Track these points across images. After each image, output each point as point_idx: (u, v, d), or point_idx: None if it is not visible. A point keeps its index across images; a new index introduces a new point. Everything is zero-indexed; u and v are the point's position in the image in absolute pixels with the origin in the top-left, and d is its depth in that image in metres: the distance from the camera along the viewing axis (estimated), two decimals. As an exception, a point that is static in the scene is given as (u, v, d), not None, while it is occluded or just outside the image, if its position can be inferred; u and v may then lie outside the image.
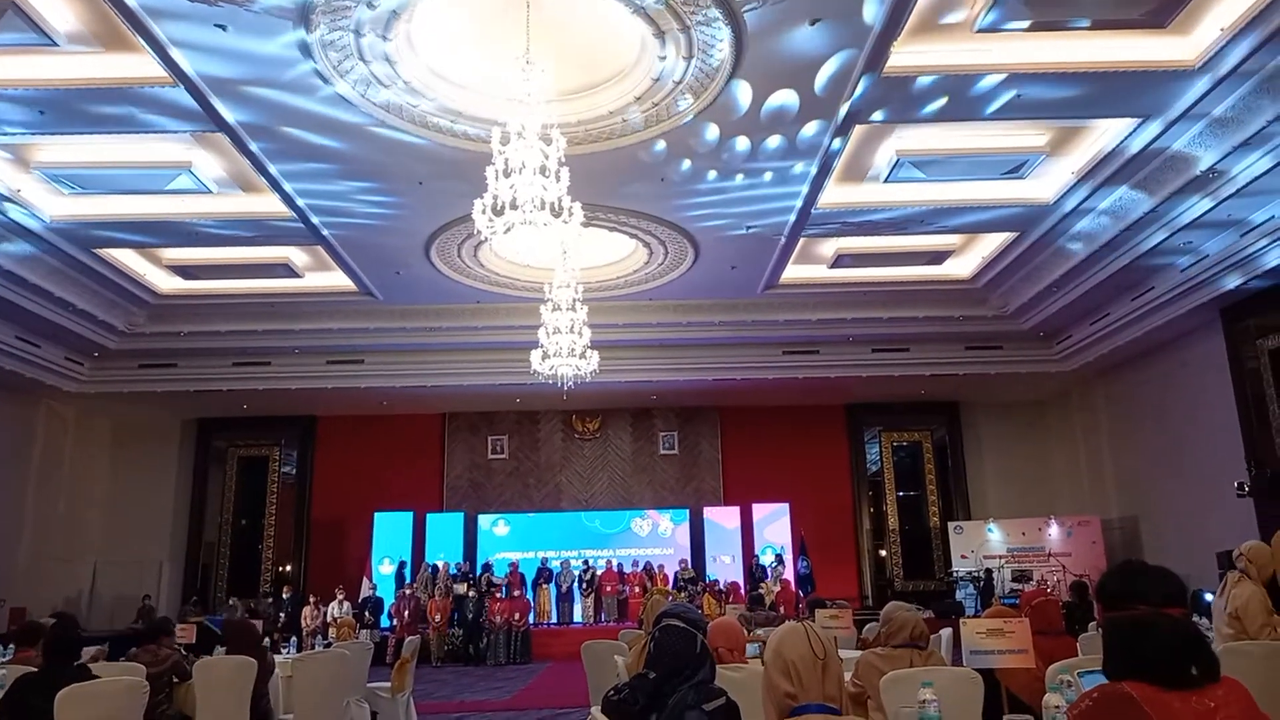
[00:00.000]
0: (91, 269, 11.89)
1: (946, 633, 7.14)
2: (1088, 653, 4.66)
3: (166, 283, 12.98)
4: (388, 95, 8.05)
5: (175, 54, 7.24)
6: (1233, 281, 10.97)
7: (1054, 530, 15.56)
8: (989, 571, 15.16)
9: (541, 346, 10.79)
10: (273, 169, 9.36)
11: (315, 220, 10.68)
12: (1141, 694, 2.11)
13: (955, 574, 15.88)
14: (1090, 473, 16.48)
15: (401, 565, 16.55)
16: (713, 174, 9.83)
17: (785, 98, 8.27)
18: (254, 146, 8.85)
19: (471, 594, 15.37)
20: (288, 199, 10.07)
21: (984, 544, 15.88)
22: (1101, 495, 16.01)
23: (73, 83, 7.67)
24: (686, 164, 9.56)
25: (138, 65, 7.50)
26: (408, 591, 15.40)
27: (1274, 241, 10.05)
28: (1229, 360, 12.03)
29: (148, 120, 8.31)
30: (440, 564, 16.17)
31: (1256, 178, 8.96)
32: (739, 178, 9.93)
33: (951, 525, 16.63)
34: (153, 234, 11.17)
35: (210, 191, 10.08)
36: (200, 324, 13.95)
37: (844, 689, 2.24)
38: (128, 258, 12.09)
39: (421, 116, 8.43)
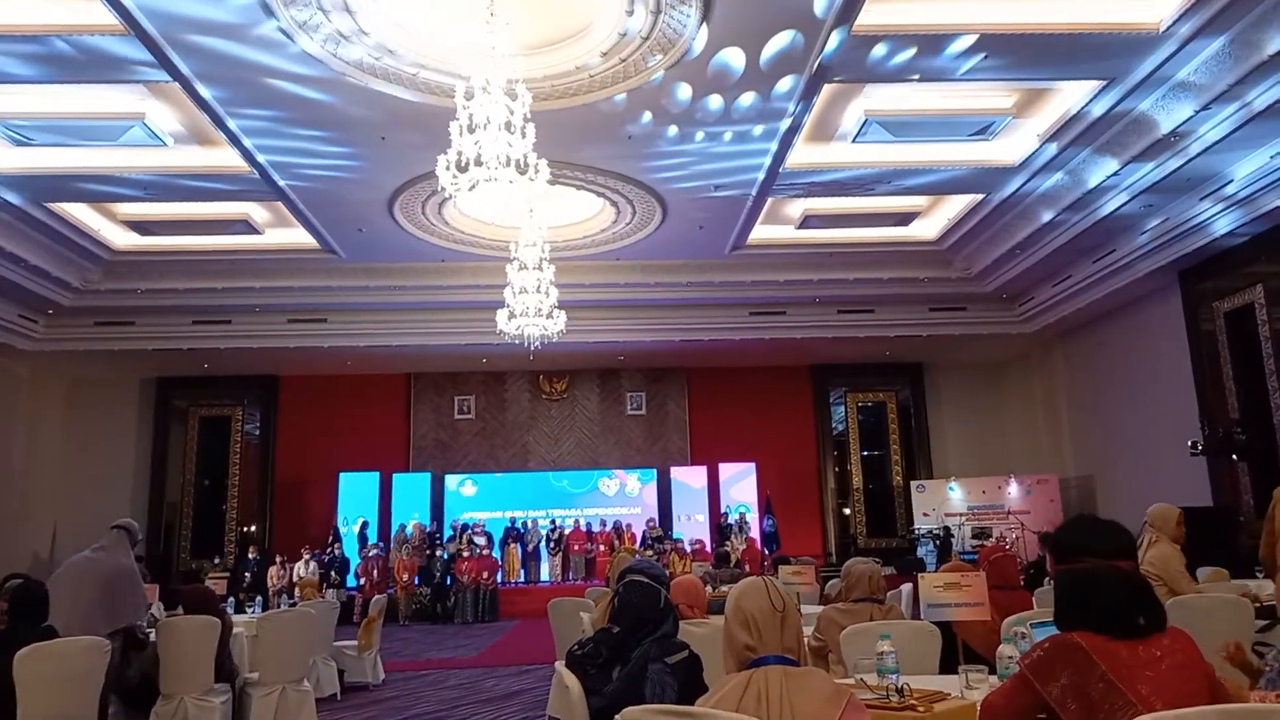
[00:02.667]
0: (43, 223, 11.57)
1: (907, 588, 7.28)
2: (1044, 606, 4.78)
3: (122, 238, 12.68)
4: (348, 48, 7.86)
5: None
6: (1191, 245, 11.15)
7: (1013, 488, 15.88)
8: (947, 529, 15.46)
9: (508, 306, 10.72)
10: (230, 121, 9.11)
11: (274, 175, 10.45)
12: (1090, 643, 2.17)
13: (917, 531, 16.18)
14: (1049, 432, 16.80)
15: (364, 525, 16.49)
16: (680, 132, 9.74)
17: (756, 53, 8.18)
18: (209, 97, 8.61)
19: (440, 554, 15.42)
20: (246, 153, 9.83)
21: (945, 502, 16.18)
22: (1059, 454, 16.34)
23: (19, 29, 7.40)
24: (654, 122, 9.46)
25: (88, 12, 7.25)
26: (372, 552, 15.40)
27: (1231, 205, 10.22)
28: (1185, 322, 12.27)
29: (99, 68, 8.05)
30: (414, 524, 16.18)
31: (1216, 142, 9.08)
32: (707, 136, 9.85)
33: (914, 484, 16.92)
34: (106, 187, 10.87)
35: (165, 144, 9.82)
36: (158, 281, 13.66)
37: (803, 641, 2.28)
38: (81, 212, 11.78)
39: (383, 69, 8.24)
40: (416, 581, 15.35)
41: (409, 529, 16.17)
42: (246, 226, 12.32)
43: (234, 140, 9.53)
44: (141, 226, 12.33)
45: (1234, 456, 11.25)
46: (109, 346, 14.71)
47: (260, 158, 9.98)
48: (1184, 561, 5.46)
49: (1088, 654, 2.15)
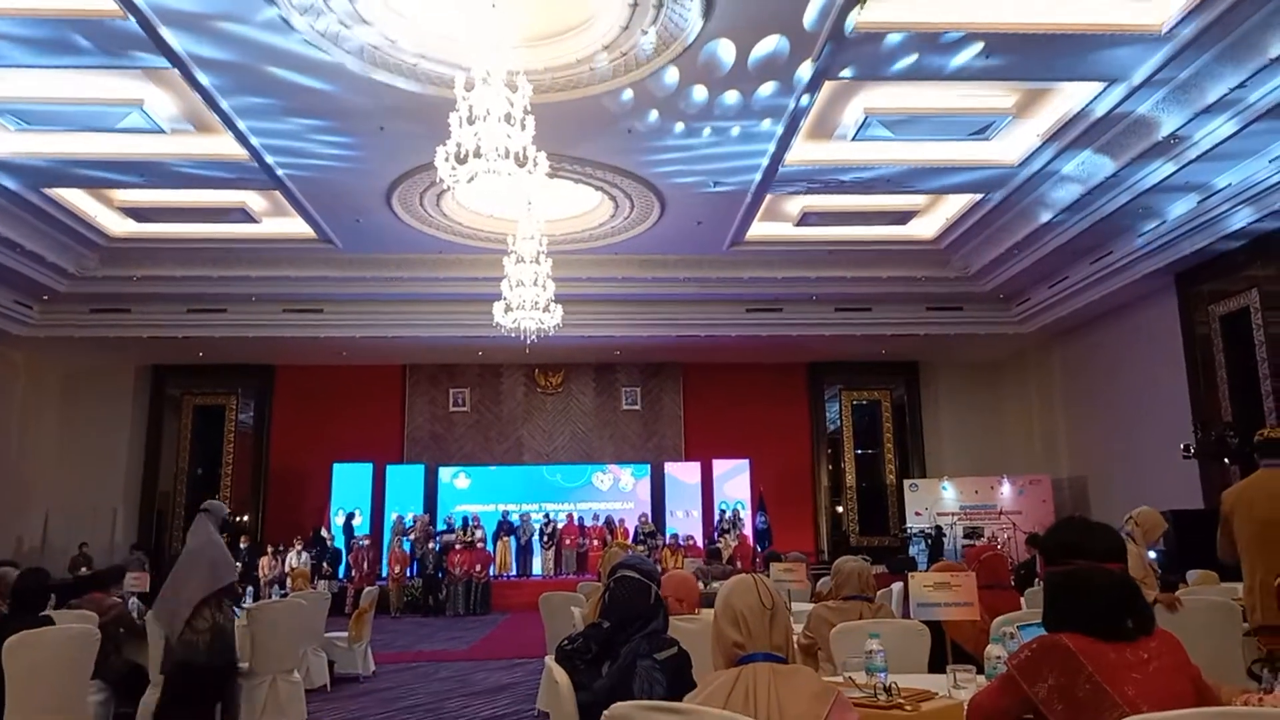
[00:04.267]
0: (40, 209, 11.54)
1: (897, 587, 7.29)
2: (1034, 607, 4.79)
3: (118, 225, 12.64)
4: (348, 36, 7.83)
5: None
6: (1188, 247, 11.16)
7: (1006, 489, 15.91)
8: (939, 528, 15.49)
9: (504, 299, 10.70)
10: (228, 109, 9.08)
11: (272, 163, 10.42)
12: (1078, 645, 2.18)
13: (909, 530, 16.21)
14: (1043, 433, 16.83)
15: (349, 516, 16.44)
16: (681, 127, 9.72)
17: (756, 50, 8.16)
18: (207, 83, 8.57)
19: (433, 546, 15.41)
20: (244, 141, 9.80)
21: (938, 501, 16.21)
22: (1053, 455, 16.37)
23: (17, 12, 7.37)
24: (655, 116, 9.44)
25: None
26: (365, 542, 15.39)
27: (1230, 208, 10.22)
28: (1181, 325, 12.30)
29: (96, 53, 8.01)
30: (415, 516, 16.17)
31: (1216, 144, 9.09)
32: (707, 132, 9.83)
33: (907, 483, 16.95)
34: (103, 173, 10.83)
35: (163, 131, 9.78)
36: (154, 268, 13.63)
37: (791, 639, 2.28)
38: (78, 198, 11.74)
39: (383, 59, 8.21)
40: (409, 574, 15.34)
41: (409, 520, 16.11)
42: (243, 215, 12.29)
43: (232, 128, 9.49)
44: (138, 213, 12.29)
45: (1226, 460, 11.28)
46: (104, 333, 14.67)
47: (258, 145, 9.95)
48: (1147, 564, 5.51)
49: (1075, 655, 2.16)
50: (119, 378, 17.14)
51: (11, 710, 4.10)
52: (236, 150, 10.06)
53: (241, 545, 15.51)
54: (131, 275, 13.64)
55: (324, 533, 15.94)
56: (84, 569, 13.29)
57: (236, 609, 5.82)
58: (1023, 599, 5.74)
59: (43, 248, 12.38)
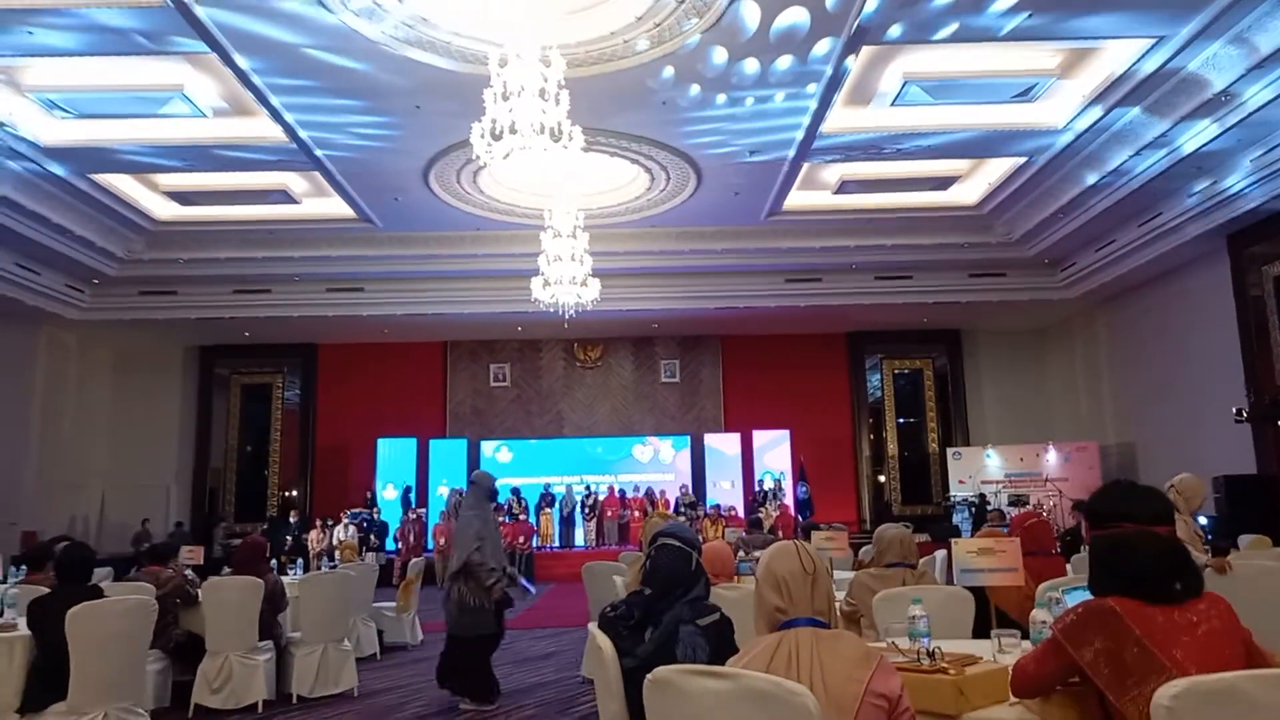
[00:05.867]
0: (88, 195, 11.80)
1: (940, 554, 7.25)
2: (1079, 572, 4.74)
3: (164, 209, 12.87)
4: (384, 16, 7.85)
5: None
6: (1241, 208, 10.85)
7: (1052, 455, 15.70)
8: (983, 496, 15.34)
9: (542, 274, 10.74)
10: (267, 91, 9.17)
11: (311, 144, 10.52)
12: (1124, 608, 2.16)
13: (952, 499, 16.08)
14: (1089, 399, 16.55)
15: (407, 490, 16.74)
16: (716, 97, 9.63)
17: (793, 16, 8.04)
18: (246, 67, 8.66)
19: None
20: (283, 123, 9.91)
21: (982, 469, 16.04)
22: (1099, 421, 16.10)
23: (58, 3, 7.49)
24: (690, 87, 9.37)
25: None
26: (412, 516, 15.65)
27: (1284, 167, 9.91)
28: (1233, 287, 11.97)
29: (137, 39, 8.13)
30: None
31: (1270, 101, 8.79)
32: (744, 101, 9.73)
33: (950, 451, 16.79)
34: (147, 158, 11.02)
35: (205, 115, 9.93)
36: (199, 251, 13.89)
37: (834, 604, 2.29)
38: (124, 183, 11.97)
39: (418, 38, 8.23)
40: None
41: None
42: (285, 196, 12.45)
43: (271, 110, 9.60)
44: (182, 197, 12.51)
45: (1279, 423, 11.02)
46: (153, 315, 15.01)
47: (297, 127, 10.05)
48: (1195, 532, 5.42)
49: (1122, 619, 2.14)
50: (168, 358, 17.56)
51: (75, 679, 4.26)
52: (276, 132, 10.19)
53: (291, 519, 15.86)
54: (178, 258, 13.92)
55: (374, 505, 16.24)
56: (145, 544, 13.69)
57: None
58: (1069, 565, 5.69)
59: (91, 232, 12.66)
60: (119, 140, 10.39)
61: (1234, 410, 11.42)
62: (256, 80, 8.94)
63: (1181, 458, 12.71)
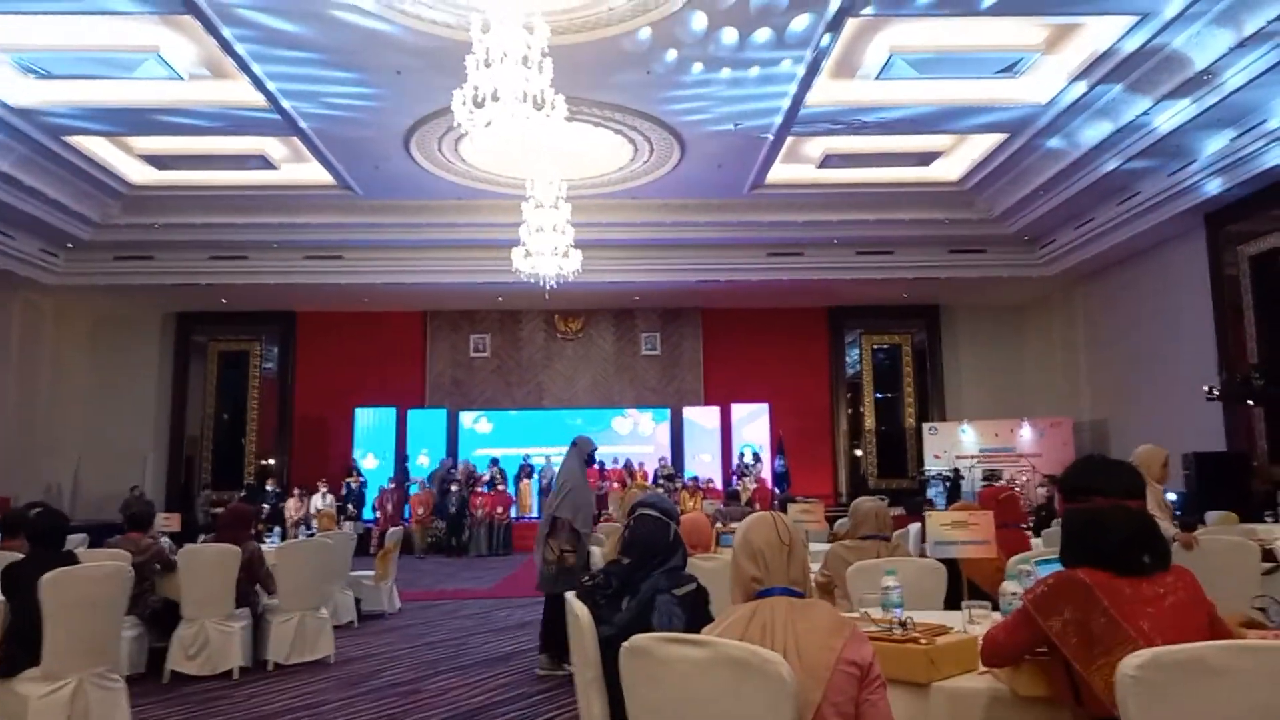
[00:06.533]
0: (61, 157, 11.59)
1: (914, 527, 7.34)
2: (1051, 545, 4.82)
3: (139, 173, 12.67)
4: (362, -23, 7.73)
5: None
6: (1218, 187, 10.93)
7: (1026, 431, 15.88)
8: (957, 471, 15.51)
9: (524, 244, 10.69)
10: (244, 54, 9.01)
11: (290, 109, 10.37)
12: (1094, 580, 2.20)
13: (927, 473, 16.25)
14: (1065, 376, 16.72)
15: (442, 463, 16.68)
16: (701, 68, 9.58)
17: (775, -13, 7.99)
18: (225, 32, 8.51)
19: (455, 490, 15.65)
20: (261, 87, 9.75)
21: (957, 444, 16.20)
22: (1074, 398, 16.29)
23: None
24: (674, 56, 9.29)
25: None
26: (390, 485, 15.66)
27: (1264, 146, 9.96)
28: (1209, 266, 12.09)
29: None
30: (462, 463, 16.48)
31: (1251, 80, 8.83)
32: (727, 72, 9.68)
33: (926, 426, 16.94)
34: (122, 122, 10.83)
35: (181, 78, 9.75)
36: (175, 216, 13.71)
37: (808, 574, 2.31)
38: (98, 146, 11.76)
39: (399, 2, 8.11)
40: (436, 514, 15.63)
41: (454, 470, 16.42)
42: (263, 162, 12.28)
43: (249, 74, 9.44)
44: (158, 161, 12.31)
45: (1250, 402, 11.18)
46: (129, 281, 14.83)
47: (275, 91, 9.89)
48: (1163, 501, 5.46)
49: (1091, 590, 2.18)
50: (145, 325, 17.36)
51: (49, 645, 4.24)
52: (254, 97, 10.03)
53: (268, 488, 15.81)
54: (154, 223, 13.73)
55: (354, 474, 16.24)
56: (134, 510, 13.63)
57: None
58: (1040, 539, 5.78)
59: (65, 196, 12.46)
60: (93, 102, 10.20)
61: (1206, 388, 11.57)
62: (234, 43, 8.78)
63: (1153, 434, 12.87)
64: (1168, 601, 2.18)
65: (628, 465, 16.91)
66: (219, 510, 9.56)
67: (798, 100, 10.23)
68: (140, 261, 14.58)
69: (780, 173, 12.79)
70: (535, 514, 16.72)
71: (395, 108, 10.48)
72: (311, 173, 12.60)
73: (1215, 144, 10.47)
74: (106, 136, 11.47)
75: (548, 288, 11.17)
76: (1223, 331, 11.87)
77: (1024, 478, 14.78)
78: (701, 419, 17.69)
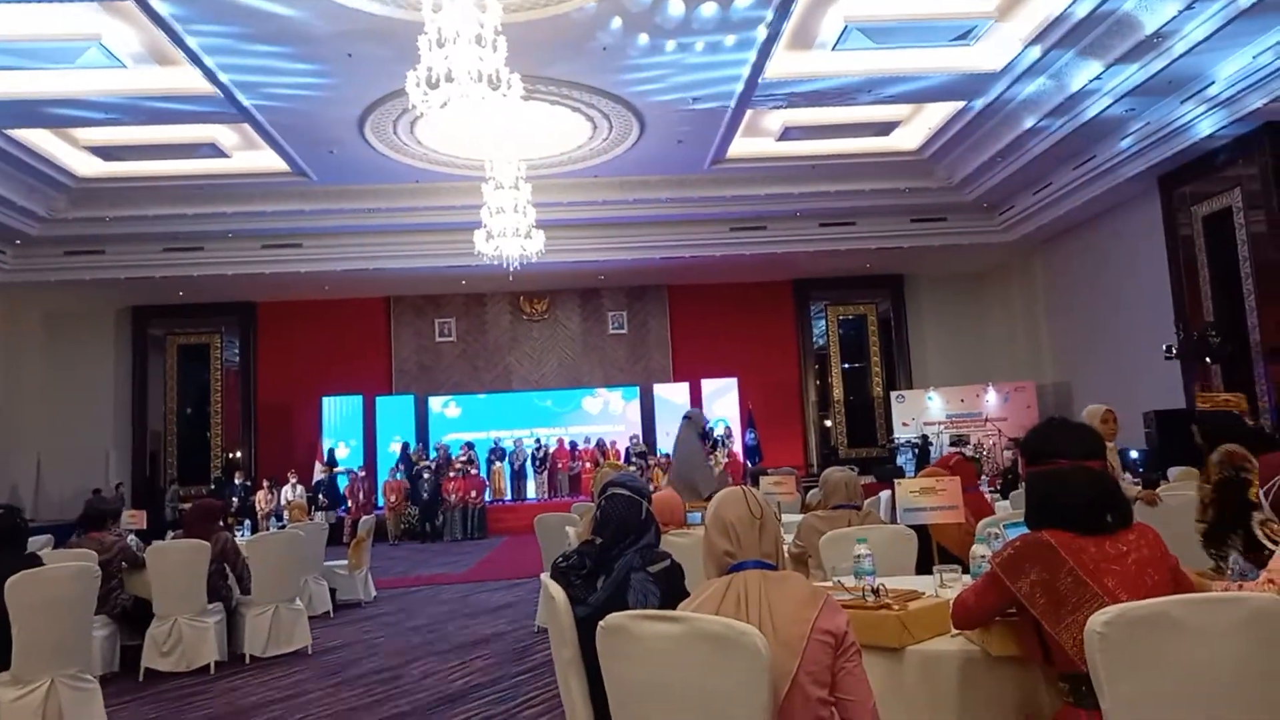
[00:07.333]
0: (4, 151, 11.25)
1: (885, 495, 7.42)
2: (1018, 508, 4.90)
3: (86, 165, 12.36)
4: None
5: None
6: (1171, 149, 11.09)
7: (991, 396, 16.11)
8: (925, 438, 15.72)
9: (485, 226, 10.60)
10: (188, 39, 8.78)
11: (239, 95, 10.15)
12: (1059, 540, 2.24)
13: (897, 441, 16.45)
14: (1027, 340, 16.97)
15: (405, 447, 16.55)
16: (657, 42, 9.49)
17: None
18: (166, 13, 8.28)
19: (427, 475, 15.58)
20: (208, 72, 9.52)
21: (924, 411, 16.41)
22: (1037, 362, 16.54)
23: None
24: (629, 31, 9.20)
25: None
26: (361, 473, 15.54)
27: (1213, 107, 10.12)
28: (1164, 227, 12.29)
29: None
30: (440, 446, 16.42)
31: (1200, 42, 8.94)
32: (683, 45, 9.60)
33: (894, 394, 17.13)
34: (65, 112, 10.53)
35: (124, 66, 9.50)
36: (126, 208, 13.38)
37: (781, 547, 2.33)
38: (42, 139, 11.44)
39: (347, -19, 7.95)
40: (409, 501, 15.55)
41: (433, 452, 16.35)
42: (214, 150, 12.03)
43: (195, 60, 9.21)
44: (106, 152, 12.01)
45: (1208, 359, 11.42)
46: (81, 276, 14.49)
47: (223, 77, 9.67)
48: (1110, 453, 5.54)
49: (1056, 551, 2.22)
50: (100, 320, 16.99)
51: (19, 648, 4.18)
52: (201, 83, 9.79)
53: (236, 481, 15.63)
54: (104, 216, 13.41)
55: (320, 464, 16.09)
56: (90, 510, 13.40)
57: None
58: (1007, 502, 5.88)
59: (10, 191, 12.13)
60: (33, 94, 9.90)
61: (1164, 347, 11.80)
62: (178, 28, 8.55)
63: (1115, 395, 13.14)
64: (1131, 559, 2.23)
65: (600, 445, 16.94)
66: (188, 506, 9.44)
67: (756, 72, 10.18)
68: (92, 256, 14.26)
69: (741, 147, 12.77)
70: (509, 497, 16.72)
71: (348, 91, 10.29)
72: (265, 160, 12.36)
73: (1167, 107, 10.60)
74: (50, 129, 11.16)
75: (511, 269, 11.10)
76: (1179, 291, 12.10)
77: (990, 441, 15.01)
78: (672, 395, 17.72)
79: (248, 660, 6.14)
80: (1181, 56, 9.25)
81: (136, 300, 16.79)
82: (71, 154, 11.98)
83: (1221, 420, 4.03)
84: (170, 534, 8.06)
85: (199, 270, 14.75)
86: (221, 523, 6.74)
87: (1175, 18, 8.67)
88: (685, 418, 6.39)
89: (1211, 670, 1.96)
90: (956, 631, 2.51)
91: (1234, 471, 3.49)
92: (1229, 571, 2.91)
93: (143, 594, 5.98)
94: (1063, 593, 2.18)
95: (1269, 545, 3.12)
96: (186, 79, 9.73)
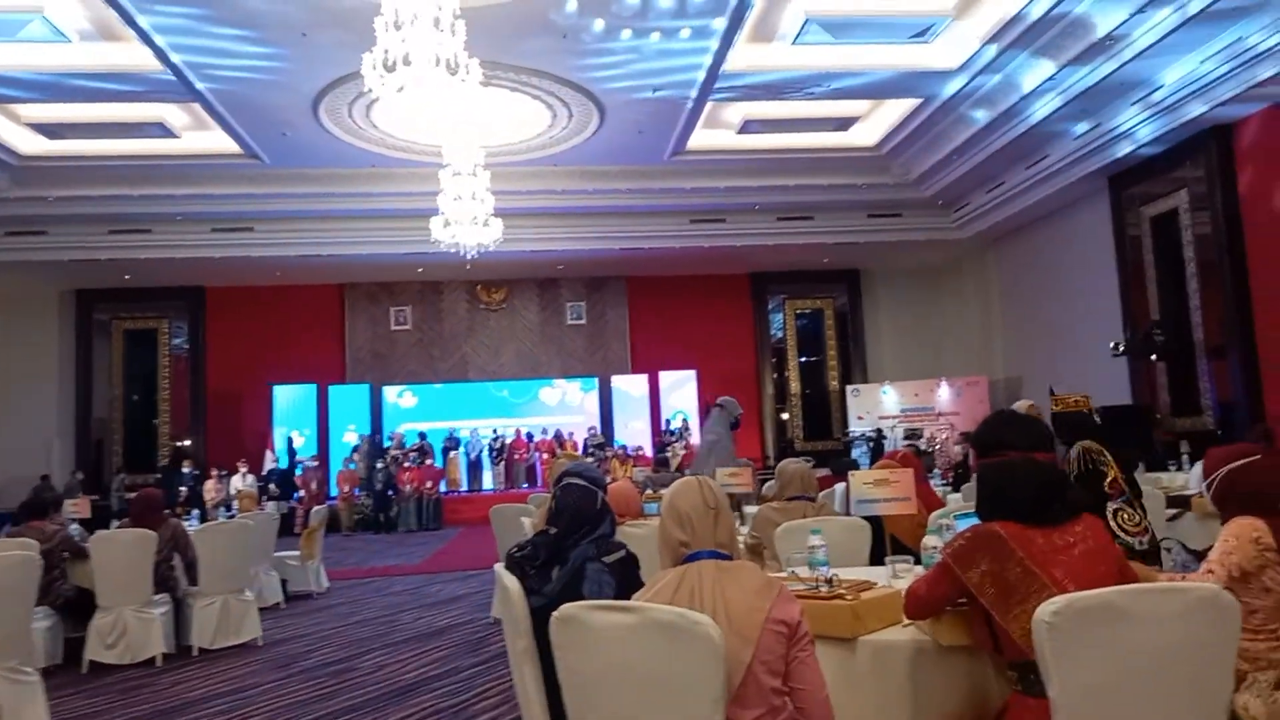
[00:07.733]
0: (-60, 127, 10.89)
1: (840, 487, 7.48)
2: (969, 500, 4.98)
3: (29, 143, 11.98)
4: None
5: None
6: (1120, 150, 11.33)
7: (944, 391, 16.35)
8: (880, 431, 15.91)
9: (442, 214, 10.49)
10: (138, 15, 8.54)
11: (188, 74, 9.89)
12: (1009, 531, 2.27)
13: (852, 434, 16.63)
14: (980, 336, 17.25)
15: (364, 438, 16.36)
16: (618, 30, 9.44)
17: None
18: (115, -10, 8.06)
19: (380, 465, 15.41)
20: (157, 50, 9.27)
21: (879, 405, 16.61)
22: (990, 357, 16.83)
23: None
24: (590, 18, 9.15)
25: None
26: (313, 464, 15.32)
27: (1160, 111, 10.36)
28: (1113, 227, 12.56)
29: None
30: (394, 435, 16.26)
31: (1150, 46, 9.13)
32: (645, 34, 9.57)
33: (849, 388, 17.31)
34: (4, 88, 10.19)
35: (68, 40, 9.21)
36: (70, 189, 13.00)
37: (735, 537, 2.33)
38: (-19, 115, 11.09)
39: (302, -40, 7.79)
40: (357, 492, 15.36)
41: (400, 439, 16.18)
42: (162, 130, 11.73)
43: (143, 36, 8.96)
44: (49, 130, 11.66)
45: (1153, 356, 11.70)
46: (22, 258, 14.07)
47: (174, 57, 9.43)
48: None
49: (1005, 541, 2.25)
50: (43, 304, 16.50)
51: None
52: (150, 61, 9.53)
53: (184, 470, 15.31)
54: (47, 195, 13.01)
55: (270, 453, 15.84)
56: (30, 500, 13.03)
57: None
58: (959, 494, 5.96)
59: (-52, 168, 11.73)
60: (-27, 67, 9.59)
61: (1111, 345, 12.06)
62: (126, 3, 8.31)
63: (1064, 390, 13.40)
64: (1078, 549, 2.27)
65: (557, 436, 16.90)
66: (133, 495, 9.21)
67: (717, 63, 10.18)
68: (34, 237, 13.85)
69: (701, 139, 12.77)
70: (465, 488, 16.60)
71: (302, 71, 10.09)
72: (215, 141, 12.09)
73: (1118, 109, 10.82)
74: (-9, 104, 10.82)
75: (469, 258, 11.00)
76: (1126, 290, 12.38)
77: (943, 435, 15.23)
78: (630, 387, 17.74)
79: (195, 652, 6.02)
80: (1131, 60, 9.46)
81: (81, 283, 16.33)
82: (13, 131, 11.61)
83: (1075, 418, 4.34)
84: (115, 523, 7.87)
85: (146, 253, 14.39)
86: (168, 512, 6.59)
87: (1127, 21, 8.85)
88: (718, 405, 6.29)
89: (1155, 657, 2.00)
90: (908, 621, 2.54)
91: (1090, 465, 3.73)
92: (1171, 563, 2.99)
93: (86, 584, 5.83)
94: (1012, 583, 2.21)
95: (1120, 534, 3.38)
96: (134, 56, 9.46)
